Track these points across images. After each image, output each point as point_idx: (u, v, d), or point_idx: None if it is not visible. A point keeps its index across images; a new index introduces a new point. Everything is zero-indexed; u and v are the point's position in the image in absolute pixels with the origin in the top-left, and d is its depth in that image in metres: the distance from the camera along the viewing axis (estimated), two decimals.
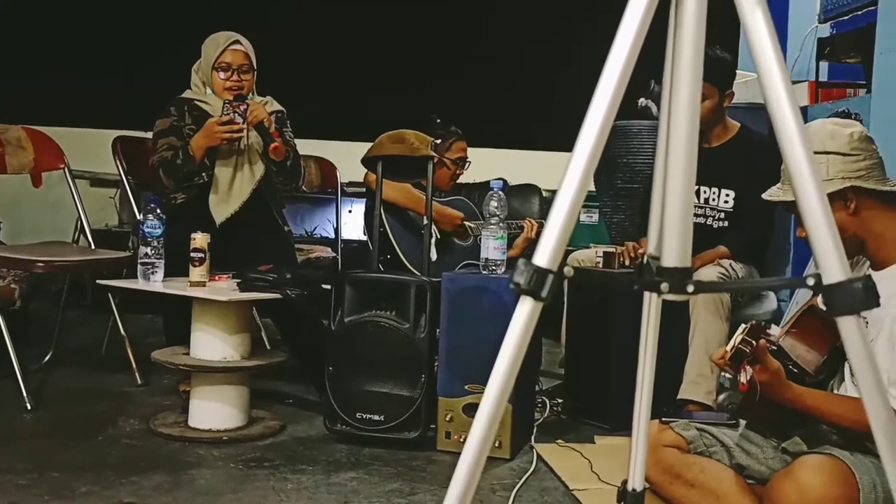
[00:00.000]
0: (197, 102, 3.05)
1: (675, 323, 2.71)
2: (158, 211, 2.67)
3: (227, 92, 3.01)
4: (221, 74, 3.02)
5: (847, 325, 0.92)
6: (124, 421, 2.72)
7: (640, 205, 3.47)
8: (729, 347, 1.78)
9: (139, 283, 2.65)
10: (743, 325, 1.80)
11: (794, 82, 3.19)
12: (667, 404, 2.51)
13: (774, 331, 1.90)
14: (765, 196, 1.94)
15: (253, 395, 2.72)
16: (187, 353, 2.64)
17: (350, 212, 5.09)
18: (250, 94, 3.08)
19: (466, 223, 3.38)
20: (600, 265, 3.06)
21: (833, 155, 1.81)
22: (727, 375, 2.37)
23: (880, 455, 0.93)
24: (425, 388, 2.52)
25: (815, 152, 1.80)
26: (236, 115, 2.87)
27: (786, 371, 1.82)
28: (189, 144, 2.91)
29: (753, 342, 1.75)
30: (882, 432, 0.92)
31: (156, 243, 2.64)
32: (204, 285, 2.63)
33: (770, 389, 1.77)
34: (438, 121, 3.45)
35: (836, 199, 1.82)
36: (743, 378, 1.79)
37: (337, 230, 3.99)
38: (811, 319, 1.93)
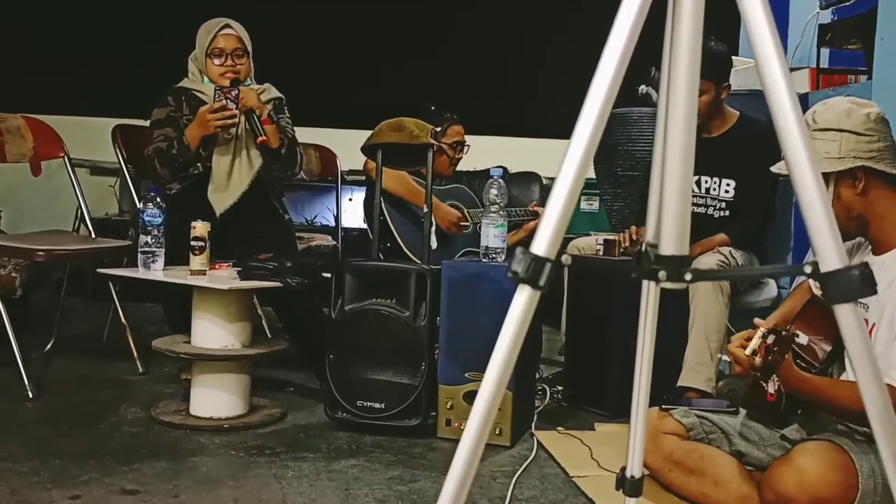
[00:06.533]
0: (194, 92, 3.04)
1: (675, 310, 2.71)
2: (158, 199, 2.67)
3: (222, 78, 3.00)
4: (216, 61, 3.01)
5: (844, 313, 0.92)
6: (125, 409, 2.73)
7: (640, 192, 3.47)
8: (749, 351, 1.73)
9: (139, 272, 2.66)
10: (763, 330, 1.74)
11: (795, 69, 3.17)
12: (666, 392, 2.51)
13: (802, 339, 1.88)
14: (774, 169, 1.93)
15: (254, 384, 2.73)
16: (188, 342, 2.65)
17: (350, 200, 5.09)
18: (248, 80, 3.07)
19: (466, 212, 3.38)
20: (600, 253, 3.06)
21: (847, 133, 1.81)
22: (725, 359, 2.36)
23: (876, 441, 0.93)
24: (426, 376, 2.53)
25: (830, 129, 1.79)
26: (228, 100, 2.85)
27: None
28: (184, 134, 2.90)
29: (785, 355, 1.72)
30: (878, 419, 0.92)
31: (156, 232, 2.65)
32: (204, 274, 2.63)
33: (785, 380, 1.77)
34: (433, 108, 3.44)
35: (846, 177, 1.82)
36: (771, 388, 1.78)
37: (337, 218, 3.99)
38: (814, 310, 1.93)
